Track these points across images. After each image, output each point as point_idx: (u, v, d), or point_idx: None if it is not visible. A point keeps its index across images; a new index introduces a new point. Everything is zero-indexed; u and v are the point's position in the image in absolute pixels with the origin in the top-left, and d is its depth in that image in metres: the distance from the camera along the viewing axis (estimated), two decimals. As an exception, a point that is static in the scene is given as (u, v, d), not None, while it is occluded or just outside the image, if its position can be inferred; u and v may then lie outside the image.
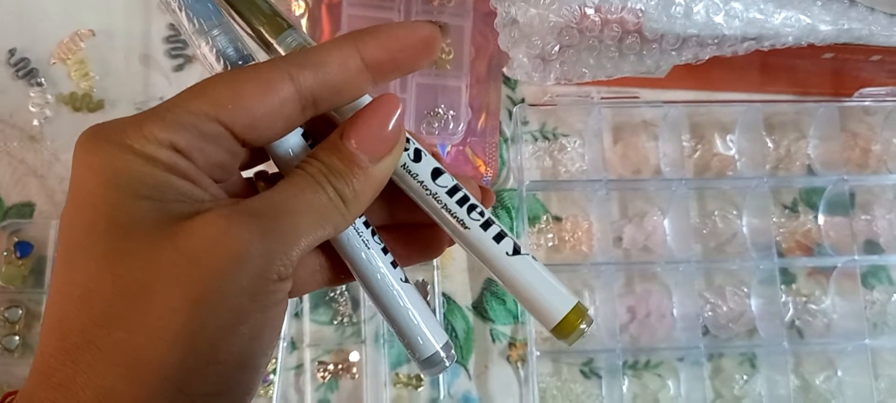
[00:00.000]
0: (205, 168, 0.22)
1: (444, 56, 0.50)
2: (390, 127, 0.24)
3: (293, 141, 0.25)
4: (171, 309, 0.20)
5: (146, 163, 0.21)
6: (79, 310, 0.20)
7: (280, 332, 0.23)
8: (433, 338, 0.26)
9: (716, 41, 0.42)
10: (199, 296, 0.20)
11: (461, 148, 0.51)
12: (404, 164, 0.26)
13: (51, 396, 0.20)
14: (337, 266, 0.27)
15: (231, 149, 0.23)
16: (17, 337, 0.47)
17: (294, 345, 0.49)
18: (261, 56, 0.25)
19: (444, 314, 0.50)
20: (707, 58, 0.43)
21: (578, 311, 0.25)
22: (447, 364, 0.27)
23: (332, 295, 0.49)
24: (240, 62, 0.25)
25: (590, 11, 0.40)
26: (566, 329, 0.25)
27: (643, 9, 0.40)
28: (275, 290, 0.21)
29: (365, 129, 0.23)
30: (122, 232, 0.21)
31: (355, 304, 0.49)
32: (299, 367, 0.49)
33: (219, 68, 0.25)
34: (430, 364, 0.26)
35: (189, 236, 0.20)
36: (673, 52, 0.42)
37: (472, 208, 0.26)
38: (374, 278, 0.26)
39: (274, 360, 0.47)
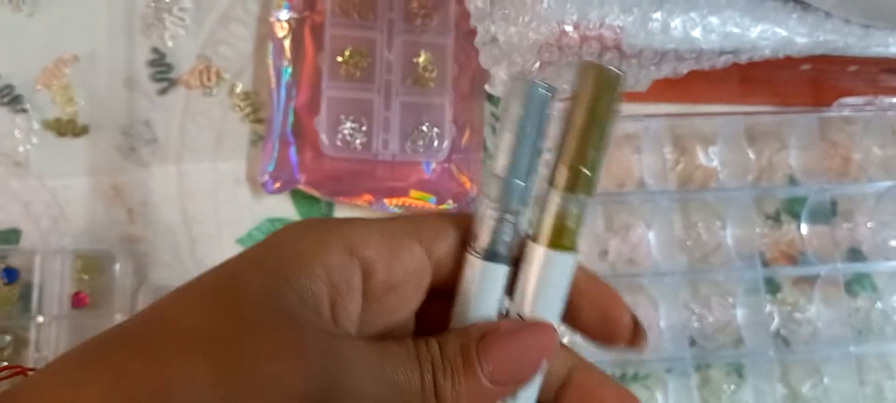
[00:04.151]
0: (347, 309, 0.22)
1: (427, 74, 0.51)
2: (531, 360, 0.22)
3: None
4: None
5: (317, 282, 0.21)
6: None
7: None
8: None
9: (694, 55, 0.43)
10: None
11: (446, 165, 0.51)
12: None
13: None
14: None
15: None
16: (5, 364, 0.47)
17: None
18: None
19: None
20: (686, 72, 0.44)
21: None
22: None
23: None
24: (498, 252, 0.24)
25: (568, 29, 0.41)
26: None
27: (621, 25, 0.41)
28: None
29: (500, 350, 0.22)
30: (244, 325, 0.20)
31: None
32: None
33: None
34: None
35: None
36: (652, 67, 0.43)
37: None
38: None
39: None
